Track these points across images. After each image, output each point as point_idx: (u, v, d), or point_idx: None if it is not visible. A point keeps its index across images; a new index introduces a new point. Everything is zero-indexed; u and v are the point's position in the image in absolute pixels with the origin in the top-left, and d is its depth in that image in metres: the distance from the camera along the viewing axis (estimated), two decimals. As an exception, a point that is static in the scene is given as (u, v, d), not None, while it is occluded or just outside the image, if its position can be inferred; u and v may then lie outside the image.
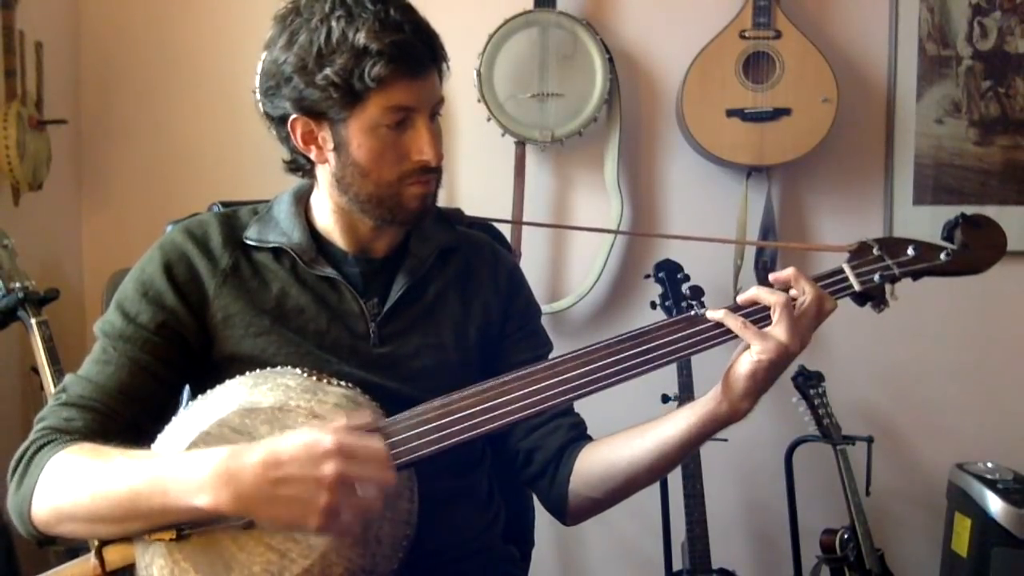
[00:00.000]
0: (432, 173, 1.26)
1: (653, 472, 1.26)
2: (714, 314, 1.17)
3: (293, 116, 1.24)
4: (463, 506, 1.35)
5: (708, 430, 1.20)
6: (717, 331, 1.18)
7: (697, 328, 1.18)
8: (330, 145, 1.24)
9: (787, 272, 1.19)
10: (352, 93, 1.18)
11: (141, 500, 1.07)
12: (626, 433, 1.28)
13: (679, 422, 1.22)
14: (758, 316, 1.17)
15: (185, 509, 1.05)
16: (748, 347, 1.15)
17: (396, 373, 1.29)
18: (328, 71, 1.17)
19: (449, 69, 1.28)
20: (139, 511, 1.08)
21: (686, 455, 1.25)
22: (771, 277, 1.20)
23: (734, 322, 1.16)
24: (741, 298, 1.19)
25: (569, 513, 1.34)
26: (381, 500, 1.06)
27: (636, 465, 1.25)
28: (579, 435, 1.36)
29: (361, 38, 1.16)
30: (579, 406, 1.36)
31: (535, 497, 1.63)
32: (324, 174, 1.29)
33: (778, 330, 1.14)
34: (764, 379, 1.15)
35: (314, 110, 1.22)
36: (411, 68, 1.19)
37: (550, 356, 1.41)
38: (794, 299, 1.17)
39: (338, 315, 1.29)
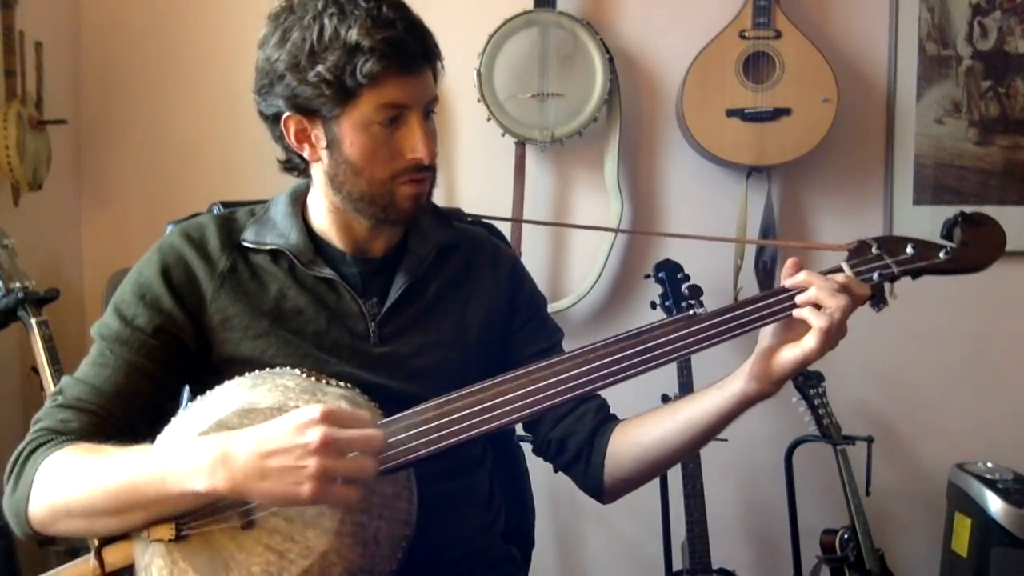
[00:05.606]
0: (426, 172, 1.25)
1: (685, 451, 1.29)
2: (795, 281, 1.18)
3: (286, 114, 1.24)
4: (463, 507, 1.35)
5: (737, 410, 1.23)
6: (717, 329, 1.18)
7: (696, 327, 1.18)
8: (323, 143, 1.24)
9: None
10: (344, 90, 1.18)
11: (138, 489, 1.07)
12: (656, 413, 1.31)
13: (707, 403, 1.24)
14: (784, 307, 1.18)
15: (182, 495, 1.05)
16: (783, 335, 1.18)
17: (397, 372, 1.28)
18: (320, 68, 1.17)
19: (443, 67, 1.28)
20: (137, 501, 1.08)
21: (714, 434, 1.27)
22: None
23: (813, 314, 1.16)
24: (789, 283, 1.19)
25: (605, 493, 1.37)
26: (374, 463, 1.05)
27: (667, 445, 1.28)
28: (606, 417, 1.37)
29: (353, 35, 1.16)
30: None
31: (529, 496, 1.65)
32: (318, 173, 1.29)
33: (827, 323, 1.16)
34: (804, 367, 1.19)
35: (307, 108, 1.21)
36: (403, 65, 1.19)
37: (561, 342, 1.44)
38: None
39: (337, 316, 1.29)
